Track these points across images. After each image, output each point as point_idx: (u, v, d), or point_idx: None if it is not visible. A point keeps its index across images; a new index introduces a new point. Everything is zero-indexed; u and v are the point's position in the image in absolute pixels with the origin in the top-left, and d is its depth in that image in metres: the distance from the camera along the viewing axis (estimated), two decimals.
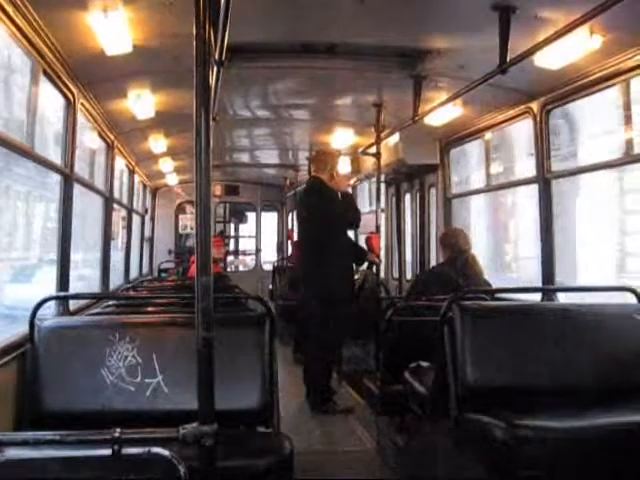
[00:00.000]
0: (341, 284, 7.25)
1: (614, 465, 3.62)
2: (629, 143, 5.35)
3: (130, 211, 10.26)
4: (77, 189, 5.80)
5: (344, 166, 10.69)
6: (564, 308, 4.86)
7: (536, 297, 5.96)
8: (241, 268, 16.53)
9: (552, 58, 4.82)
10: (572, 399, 4.00)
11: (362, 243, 8.69)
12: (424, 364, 5.23)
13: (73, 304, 5.83)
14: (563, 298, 5.76)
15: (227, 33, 3.52)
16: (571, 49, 4.62)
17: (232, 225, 16.96)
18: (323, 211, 7.32)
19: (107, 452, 2.15)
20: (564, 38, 4.25)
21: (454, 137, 8.15)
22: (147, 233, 13.25)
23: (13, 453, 2.28)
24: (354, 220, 7.58)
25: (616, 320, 4.53)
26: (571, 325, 4.45)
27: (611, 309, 4.69)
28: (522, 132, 6.97)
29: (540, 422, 3.71)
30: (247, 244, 16.81)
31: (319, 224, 7.30)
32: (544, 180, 6.01)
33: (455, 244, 6.47)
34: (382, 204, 8.83)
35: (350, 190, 11.46)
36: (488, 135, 7.54)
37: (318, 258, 7.26)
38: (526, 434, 3.62)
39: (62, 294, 5.49)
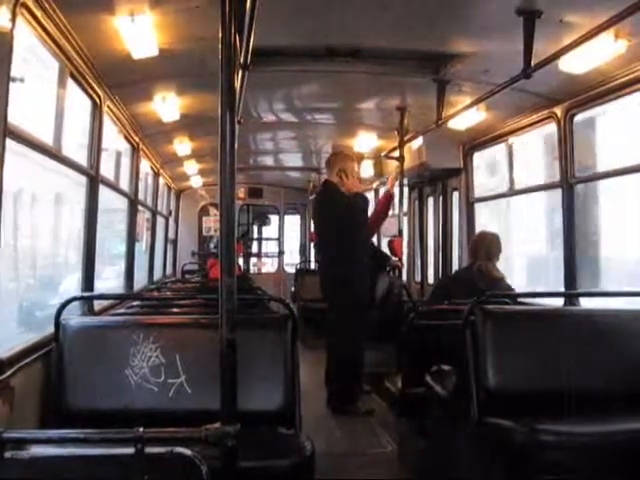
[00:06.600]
0: (357, 288, 7.18)
1: (638, 471, 3.60)
2: None
3: (154, 213, 10.30)
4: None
5: (366, 169, 10.72)
6: (587, 313, 4.84)
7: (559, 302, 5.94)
8: (264, 270, 16.54)
9: (577, 62, 4.80)
10: (594, 404, 3.98)
11: (385, 247, 8.68)
12: (445, 367, 5.22)
13: (97, 304, 5.88)
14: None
15: (252, 37, 3.55)
16: (596, 53, 4.60)
17: (255, 228, 16.98)
18: (329, 216, 7.29)
19: (130, 451, 2.16)
20: (589, 42, 4.23)
21: (477, 141, 8.14)
22: (171, 235, 13.32)
23: (37, 450, 2.30)
24: (359, 223, 7.24)
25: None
26: (594, 330, 4.42)
27: (634, 314, 4.66)
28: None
29: (562, 427, 3.70)
30: (270, 247, 16.84)
31: (328, 229, 7.31)
32: (568, 185, 5.98)
33: (475, 251, 6.38)
34: (405, 208, 8.82)
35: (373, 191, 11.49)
36: (511, 139, 7.51)
37: (332, 263, 7.26)
38: (547, 439, 3.62)
39: (87, 294, 5.54)
